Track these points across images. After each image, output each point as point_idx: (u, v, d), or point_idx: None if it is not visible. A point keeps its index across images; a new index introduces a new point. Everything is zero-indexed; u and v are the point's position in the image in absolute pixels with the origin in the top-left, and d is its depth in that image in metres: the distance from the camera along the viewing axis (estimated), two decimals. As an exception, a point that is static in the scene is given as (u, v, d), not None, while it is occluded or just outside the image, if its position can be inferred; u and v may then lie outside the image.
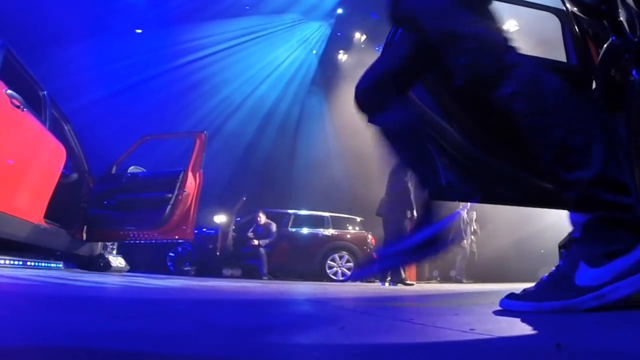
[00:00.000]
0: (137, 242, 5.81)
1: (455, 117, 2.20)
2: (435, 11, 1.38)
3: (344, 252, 8.83)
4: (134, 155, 6.01)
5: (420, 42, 1.47)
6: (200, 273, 8.24)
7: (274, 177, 12.07)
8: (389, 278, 6.17)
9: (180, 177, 5.63)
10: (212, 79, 11.86)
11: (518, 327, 1.02)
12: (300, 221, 9.24)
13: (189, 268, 8.52)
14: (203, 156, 5.98)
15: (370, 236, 8.98)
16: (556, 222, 7.53)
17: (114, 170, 5.88)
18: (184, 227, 5.75)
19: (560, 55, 2.50)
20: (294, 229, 9.09)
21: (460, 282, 8.83)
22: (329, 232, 9.10)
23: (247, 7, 11.43)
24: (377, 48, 10.83)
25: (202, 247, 8.62)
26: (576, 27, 2.38)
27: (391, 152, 1.51)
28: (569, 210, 1.52)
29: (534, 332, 0.96)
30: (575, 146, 1.21)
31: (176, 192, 5.55)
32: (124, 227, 5.54)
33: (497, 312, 1.23)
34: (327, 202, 9.81)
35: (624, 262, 1.11)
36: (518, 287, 1.40)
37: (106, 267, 5.81)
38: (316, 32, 12.80)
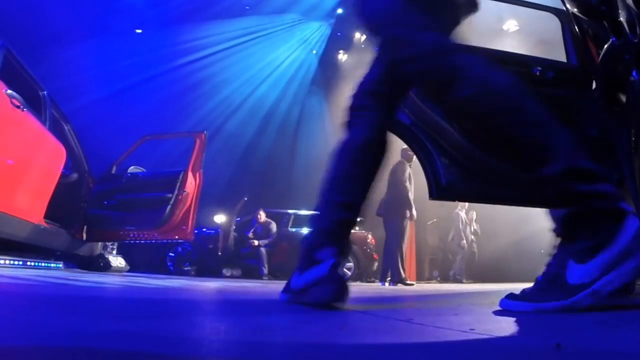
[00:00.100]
0: (137, 242, 5.81)
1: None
2: (386, 18, 1.36)
3: (344, 252, 8.81)
4: (134, 155, 6.02)
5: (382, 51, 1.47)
6: (200, 273, 8.24)
7: (274, 177, 12.07)
8: (389, 278, 6.17)
9: (180, 177, 5.63)
10: (212, 79, 11.86)
11: (518, 327, 1.02)
12: (300, 221, 9.24)
13: (189, 268, 8.52)
14: (203, 156, 5.98)
15: (370, 236, 8.97)
16: (556, 222, 7.52)
17: (114, 170, 5.89)
18: (184, 227, 5.75)
19: (560, 55, 2.50)
20: (294, 229, 9.09)
21: (460, 282, 8.83)
22: (329, 232, 9.07)
23: (247, 7, 11.43)
24: (376, 48, 10.82)
25: (202, 247, 8.61)
26: (576, 28, 2.39)
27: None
28: (551, 208, 1.53)
29: (534, 332, 0.96)
30: (538, 141, 1.20)
31: (176, 192, 5.55)
32: (124, 227, 5.54)
33: (497, 312, 1.23)
34: (327, 202, 9.77)
35: (609, 254, 1.12)
36: (518, 287, 1.40)
37: (106, 267, 5.81)
38: (316, 32, 12.80)
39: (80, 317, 1.07)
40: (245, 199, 9.20)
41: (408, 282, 6.14)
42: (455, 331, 0.93)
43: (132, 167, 5.96)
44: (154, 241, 5.96)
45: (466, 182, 2.28)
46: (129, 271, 6.26)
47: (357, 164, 1.48)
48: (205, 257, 8.63)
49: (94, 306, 1.45)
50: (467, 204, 9.10)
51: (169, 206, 5.50)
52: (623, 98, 1.89)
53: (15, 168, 3.67)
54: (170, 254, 8.55)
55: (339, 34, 12.44)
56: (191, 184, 5.73)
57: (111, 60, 10.15)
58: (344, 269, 8.72)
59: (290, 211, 9.32)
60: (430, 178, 2.28)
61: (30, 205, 4.01)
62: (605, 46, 1.93)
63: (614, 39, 1.85)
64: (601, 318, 1.06)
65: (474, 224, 9.65)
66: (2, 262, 4.38)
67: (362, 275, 8.77)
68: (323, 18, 12.37)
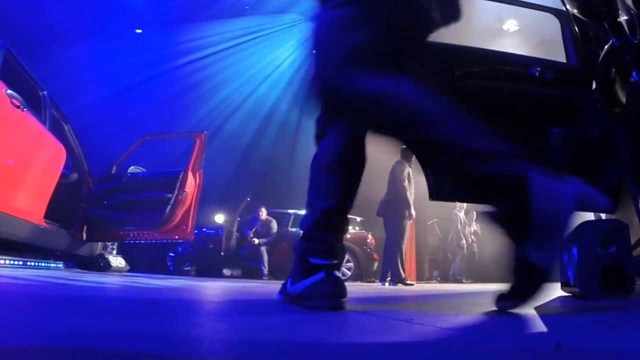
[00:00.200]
0: (137, 242, 5.81)
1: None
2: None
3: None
4: (134, 155, 6.02)
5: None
6: (200, 273, 8.23)
7: (274, 177, 12.07)
8: (389, 278, 6.17)
9: (180, 177, 5.63)
10: (212, 79, 11.86)
11: (518, 327, 1.02)
12: (299, 221, 9.22)
13: (189, 268, 8.52)
14: (203, 156, 5.98)
15: (370, 236, 8.97)
16: (556, 222, 7.52)
17: (114, 170, 5.89)
18: (184, 227, 5.75)
19: (560, 56, 2.51)
20: (294, 229, 9.08)
21: (460, 282, 8.83)
22: (329, 232, 9.07)
23: (247, 7, 11.42)
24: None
25: (202, 247, 8.61)
26: (576, 28, 2.39)
27: None
28: None
29: (534, 332, 0.96)
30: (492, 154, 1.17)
31: (176, 192, 5.55)
32: (124, 227, 5.54)
33: (497, 312, 1.23)
34: (327, 202, 9.77)
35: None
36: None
37: (106, 267, 5.81)
38: (316, 32, 12.78)
39: (80, 317, 1.07)
40: (248, 199, 9.21)
41: (408, 282, 6.14)
42: (455, 331, 0.94)
43: (132, 167, 5.96)
44: (154, 241, 5.96)
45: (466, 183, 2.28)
46: (129, 271, 6.27)
47: (334, 171, 1.48)
48: (205, 257, 8.63)
49: (94, 306, 1.45)
50: (465, 204, 9.10)
51: (169, 206, 5.50)
52: (623, 98, 1.90)
53: (15, 168, 3.67)
54: (170, 254, 8.55)
55: (339, 34, 12.41)
56: (191, 184, 5.73)
57: (111, 60, 10.14)
58: (344, 269, 8.77)
59: (290, 211, 9.32)
60: (430, 178, 2.28)
61: (30, 205, 4.01)
62: (606, 47, 1.93)
63: (614, 39, 1.85)
64: (601, 318, 1.06)
65: (474, 224, 9.66)
66: (2, 262, 4.39)
67: (362, 275, 8.77)
68: (323, 18, 12.35)
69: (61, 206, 4.75)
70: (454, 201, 7.48)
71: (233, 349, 0.74)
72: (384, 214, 6.37)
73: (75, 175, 5.37)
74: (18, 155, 3.69)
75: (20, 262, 4.72)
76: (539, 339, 0.88)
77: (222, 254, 8.58)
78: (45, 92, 4.39)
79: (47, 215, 4.34)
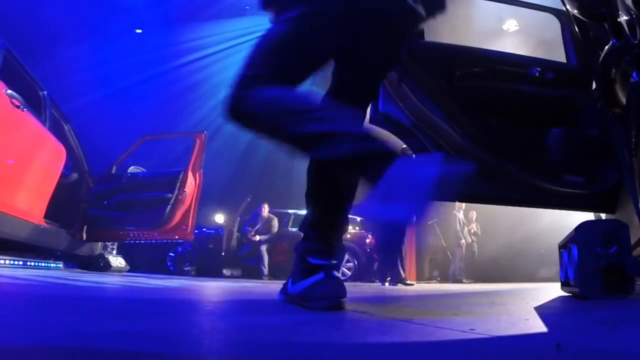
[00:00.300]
0: (137, 242, 5.81)
1: (455, 118, 2.20)
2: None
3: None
4: (134, 155, 6.02)
5: None
6: (200, 273, 8.23)
7: (274, 177, 12.07)
8: (389, 278, 6.17)
9: (180, 177, 5.64)
10: (212, 79, 11.85)
11: (518, 327, 1.02)
12: (299, 221, 9.21)
13: (189, 268, 8.51)
14: (203, 156, 5.98)
15: (370, 236, 8.97)
16: (556, 222, 7.54)
17: (114, 170, 5.89)
18: (184, 227, 5.75)
19: (560, 56, 2.51)
20: (294, 229, 9.07)
21: (460, 282, 8.83)
22: (329, 232, 9.07)
23: (247, 7, 11.41)
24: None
25: (202, 247, 8.61)
26: (576, 28, 2.39)
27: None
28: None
29: (534, 332, 0.96)
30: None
31: (176, 192, 5.55)
32: (124, 227, 5.54)
33: (496, 312, 1.23)
34: (327, 202, 9.78)
35: None
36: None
37: (106, 267, 5.81)
38: (316, 32, 12.78)
39: (80, 317, 1.07)
40: (249, 199, 9.20)
41: (408, 282, 6.14)
42: (455, 331, 0.93)
43: (132, 167, 5.97)
44: (154, 241, 5.96)
45: (466, 183, 2.28)
46: (129, 271, 6.27)
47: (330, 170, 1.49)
48: (205, 257, 8.62)
49: (94, 306, 1.45)
50: (464, 204, 9.10)
51: (169, 206, 5.50)
52: (623, 99, 1.90)
53: (15, 168, 3.67)
54: (170, 254, 8.54)
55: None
56: (191, 184, 5.73)
57: (111, 60, 10.14)
58: (344, 269, 8.77)
59: (290, 211, 9.31)
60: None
61: (30, 205, 4.00)
62: (606, 47, 1.93)
63: (614, 40, 1.85)
64: (601, 318, 1.06)
65: (474, 224, 9.65)
66: (2, 262, 4.39)
67: (362, 275, 8.77)
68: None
69: (61, 206, 4.75)
70: (454, 201, 7.49)
71: (233, 348, 0.74)
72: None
73: (75, 175, 5.37)
74: (18, 155, 3.69)
75: (20, 262, 4.72)
76: (539, 339, 0.88)
77: (223, 254, 8.57)
78: (45, 92, 4.39)
79: (47, 215, 4.34)
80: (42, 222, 4.27)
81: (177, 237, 5.92)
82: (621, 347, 0.75)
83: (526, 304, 1.75)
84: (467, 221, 9.59)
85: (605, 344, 0.78)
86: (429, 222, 9.95)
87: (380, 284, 6.47)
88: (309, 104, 1.23)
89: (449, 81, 2.20)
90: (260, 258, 8.34)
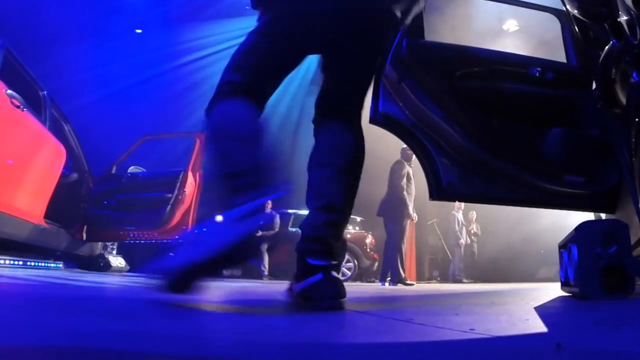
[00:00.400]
0: (137, 242, 5.81)
1: (455, 118, 2.20)
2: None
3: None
4: (134, 155, 6.02)
5: None
6: (200, 273, 8.21)
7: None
8: (389, 278, 6.17)
9: (180, 177, 5.64)
10: (212, 79, 11.79)
11: (518, 327, 1.02)
12: (300, 221, 9.19)
13: (189, 268, 8.49)
14: (203, 156, 5.98)
15: (370, 236, 8.98)
16: (556, 222, 7.53)
17: (114, 170, 5.89)
18: (183, 227, 5.75)
19: (560, 56, 2.51)
20: (294, 229, 9.08)
21: (460, 282, 8.83)
22: (329, 232, 9.07)
23: (247, 7, 11.41)
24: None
25: (202, 247, 8.59)
26: (576, 29, 2.39)
27: None
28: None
29: (534, 332, 0.96)
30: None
31: (176, 192, 5.55)
32: (124, 227, 5.54)
33: (496, 313, 1.23)
34: (327, 202, 9.78)
35: None
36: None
37: (106, 267, 5.82)
38: (316, 32, 12.77)
39: (80, 317, 1.07)
40: None
41: (408, 282, 6.14)
42: (455, 331, 0.93)
43: (132, 167, 5.97)
44: (154, 241, 5.96)
45: (466, 183, 2.29)
46: (129, 271, 6.26)
47: (326, 165, 1.49)
48: (205, 257, 8.60)
49: (94, 306, 1.45)
50: (463, 205, 9.11)
51: (169, 206, 5.50)
52: (623, 99, 1.90)
53: (15, 168, 3.67)
54: (171, 254, 8.52)
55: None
56: (191, 184, 5.73)
57: (111, 60, 10.14)
58: (344, 269, 8.77)
59: (290, 211, 9.31)
60: (431, 178, 2.28)
61: (30, 205, 4.01)
62: (606, 48, 1.93)
63: (614, 40, 1.85)
64: (601, 318, 1.06)
65: (474, 224, 9.66)
66: (2, 262, 4.39)
67: (362, 275, 8.77)
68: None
69: (61, 206, 4.75)
70: (454, 201, 7.49)
71: (233, 348, 0.74)
72: (384, 214, 6.37)
73: (75, 175, 5.37)
74: (18, 155, 3.69)
75: (20, 262, 4.72)
76: (539, 339, 0.88)
77: None
78: (45, 92, 4.39)
79: (47, 215, 4.34)
80: (42, 222, 4.27)
81: (177, 237, 5.92)
82: (621, 347, 0.75)
83: (526, 304, 1.75)
84: (466, 221, 9.60)
85: (605, 344, 0.78)
86: (429, 222, 9.95)
87: (380, 284, 6.48)
88: (246, 162, 1.39)
89: (449, 81, 2.20)
90: (260, 258, 8.33)
